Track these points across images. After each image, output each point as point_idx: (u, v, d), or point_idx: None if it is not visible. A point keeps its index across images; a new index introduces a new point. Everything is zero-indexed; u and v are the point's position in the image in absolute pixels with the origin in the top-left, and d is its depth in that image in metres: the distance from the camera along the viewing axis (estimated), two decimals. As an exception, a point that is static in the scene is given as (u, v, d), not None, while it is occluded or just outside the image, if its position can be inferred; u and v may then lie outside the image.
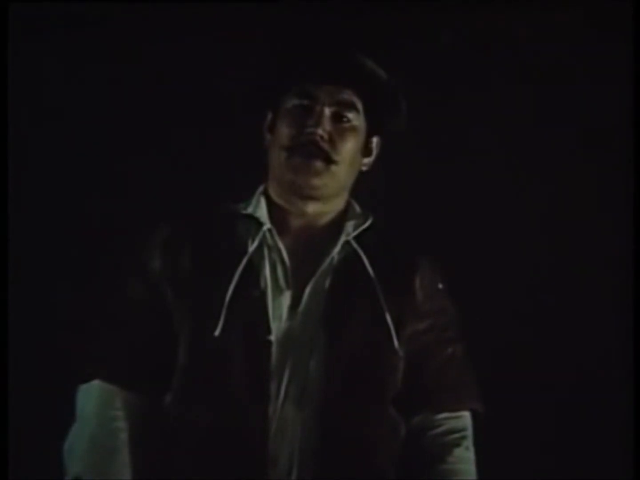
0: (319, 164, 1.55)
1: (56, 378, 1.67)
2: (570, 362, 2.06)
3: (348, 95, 1.58)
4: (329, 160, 1.56)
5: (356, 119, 1.59)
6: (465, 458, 1.60)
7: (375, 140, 1.66)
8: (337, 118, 1.57)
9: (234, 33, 2.05)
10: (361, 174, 1.66)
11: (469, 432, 1.62)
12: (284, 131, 1.57)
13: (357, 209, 1.65)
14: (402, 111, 1.65)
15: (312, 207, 1.60)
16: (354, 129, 1.59)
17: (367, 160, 1.66)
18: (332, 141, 1.56)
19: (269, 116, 1.64)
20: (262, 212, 1.59)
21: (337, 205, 1.63)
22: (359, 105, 1.59)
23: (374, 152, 1.67)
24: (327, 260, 1.56)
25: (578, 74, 2.10)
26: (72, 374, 1.57)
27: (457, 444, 1.60)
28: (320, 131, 1.55)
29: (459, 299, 1.67)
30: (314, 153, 1.54)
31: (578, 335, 2.07)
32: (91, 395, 1.54)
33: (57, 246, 2.05)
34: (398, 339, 1.55)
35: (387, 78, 1.62)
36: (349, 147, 1.58)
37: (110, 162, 2.07)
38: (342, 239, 1.58)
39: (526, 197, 2.11)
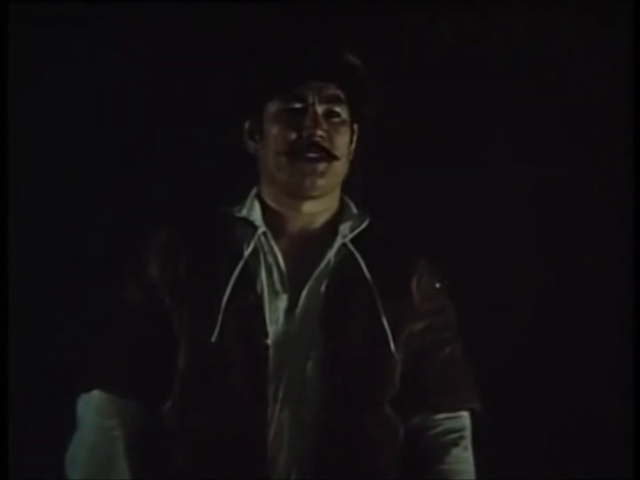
0: (323, 165, 1.55)
1: (56, 388, 1.68)
2: (570, 361, 2.06)
3: (333, 90, 1.58)
4: (331, 158, 1.56)
5: (344, 111, 1.59)
6: (463, 458, 1.60)
7: (355, 126, 1.65)
8: (329, 114, 1.57)
9: (228, 32, 2.06)
10: (352, 167, 1.65)
11: (468, 432, 1.63)
12: (279, 136, 1.55)
13: (353, 209, 1.65)
14: (376, 94, 1.64)
15: (307, 207, 1.59)
16: (344, 122, 1.59)
17: (351, 147, 1.65)
18: (330, 139, 1.56)
19: (247, 124, 1.63)
20: (257, 215, 1.59)
21: (331, 202, 1.63)
22: (343, 97, 1.59)
23: (355, 138, 1.65)
24: (324, 263, 1.56)
25: (578, 73, 2.09)
26: (72, 383, 1.58)
27: (455, 443, 1.60)
28: (319, 132, 1.54)
29: (457, 298, 1.67)
30: (318, 154, 1.54)
31: (577, 335, 2.06)
32: (90, 404, 1.55)
33: (56, 254, 2.05)
34: (395, 341, 1.55)
35: (361, 64, 1.61)
36: (344, 140, 1.58)
37: (105, 166, 2.07)
38: (339, 241, 1.58)
39: (525, 196, 2.10)
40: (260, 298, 1.53)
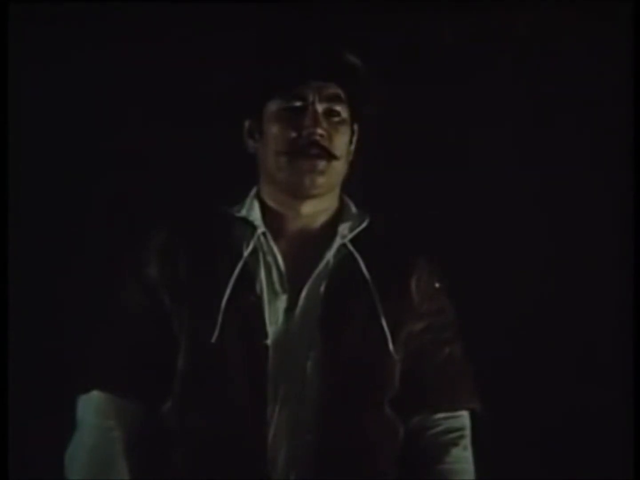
0: (323, 163, 1.55)
1: (56, 388, 1.68)
2: (570, 361, 2.06)
3: (334, 89, 1.58)
4: (331, 157, 1.56)
5: (344, 111, 1.59)
6: (463, 458, 1.60)
7: (355, 127, 1.65)
8: (329, 113, 1.57)
9: (228, 32, 2.06)
10: (352, 167, 1.65)
11: (468, 432, 1.63)
12: (279, 135, 1.55)
13: (353, 209, 1.64)
14: (376, 94, 1.64)
15: (306, 207, 1.59)
16: (344, 121, 1.59)
17: (351, 148, 1.65)
18: (330, 138, 1.56)
19: (247, 123, 1.63)
20: (256, 215, 1.59)
21: (330, 202, 1.63)
22: (343, 96, 1.59)
23: (355, 139, 1.65)
24: (323, 263, 1.56)
25: (578, 73, 2.08)
26: (72, 383, 1.58)
27: (455, 443, 1.60)
28: (319, 130, 1.54)
29: (457, 298, 1.67)
30: (317, 153, 1.54)
31: (577, 335, 2.06)
32: (90, 404, 1.55)
33: (56, 254, 2.05)
34: (394, 342, 1.55)
35: (361, 64, 1.61)
36: (344, 140, 1.59)
37: (105, 166, 2.07)
38: (338, 241, 1.58)
39: (525, 196, 2.10)
40: (259, 298, 1.53)
